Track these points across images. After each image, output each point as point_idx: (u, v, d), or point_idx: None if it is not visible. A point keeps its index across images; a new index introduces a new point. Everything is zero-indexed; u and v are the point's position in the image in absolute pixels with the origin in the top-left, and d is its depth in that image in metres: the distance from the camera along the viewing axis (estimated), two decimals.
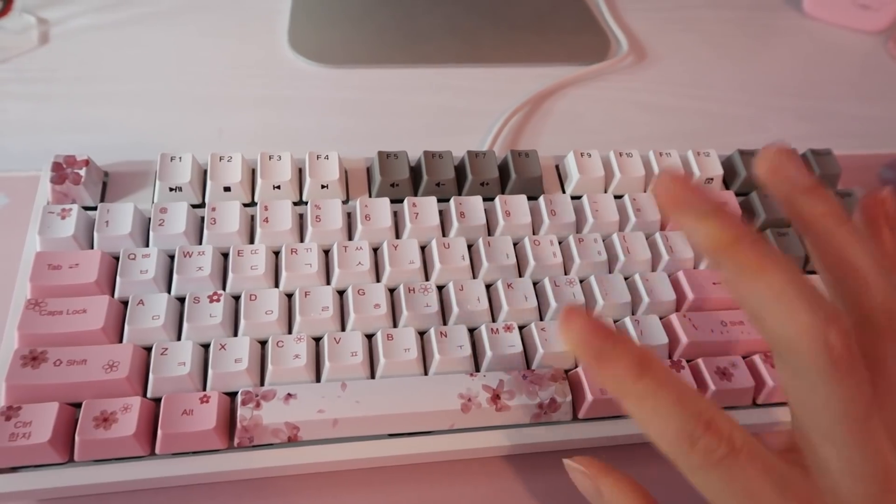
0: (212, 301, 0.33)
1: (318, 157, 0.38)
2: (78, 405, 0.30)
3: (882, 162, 0.51)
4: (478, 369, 0.33)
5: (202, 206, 0.37)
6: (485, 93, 0.52)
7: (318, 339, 0.33)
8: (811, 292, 0.22)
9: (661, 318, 0.36)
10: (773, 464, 0.23)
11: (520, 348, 0.33)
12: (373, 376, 0.33)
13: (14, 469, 0.29)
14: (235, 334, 0.33)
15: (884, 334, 0.24)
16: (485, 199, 0.39)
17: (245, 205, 0.37)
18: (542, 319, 0.35)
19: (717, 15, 0.64)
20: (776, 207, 0.40)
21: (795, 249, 0.39)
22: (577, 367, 0.34)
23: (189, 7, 0.55)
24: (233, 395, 0.31)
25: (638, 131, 0.52)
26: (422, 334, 0.34)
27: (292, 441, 0.31)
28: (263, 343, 0.33)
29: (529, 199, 0.39)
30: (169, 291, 0.34)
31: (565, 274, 0.37)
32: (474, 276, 0.36)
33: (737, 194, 0.42)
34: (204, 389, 0.31)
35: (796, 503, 0.22)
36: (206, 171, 0.37)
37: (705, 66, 0.58)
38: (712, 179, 0.41)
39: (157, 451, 0.30)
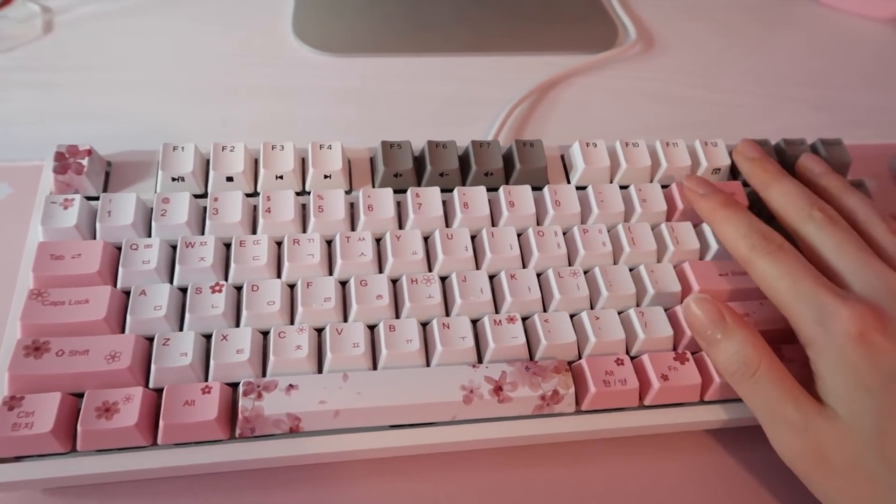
0: (214, 291, 0.33)
1: (320, 147, 0.38)
2: (80, 395, 0.30)
3: (893, 152, 0.51)
4: (480, 361, 0.33)
5: (204, 196, 0.37)
6: (491, 82, 0.52)
7: (320, 330, 0.33)
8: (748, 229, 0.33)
9: (666, 310, 0.35)
10: (815, 270, 0.31)
11: (523, 340, 0.33)
12: (375, 367, 0.32)
13: (17, 458, 0.29)
14: (237, 325, 0.33)
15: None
16: (489, 190, 0.38)
17: (247, 195, 0.37)
18: (545, 311, 0.35)
19: (727, 2, 0.63)
20: None
21: None
22: (580, 358, 0.34)
23: None
24: (234, 385, 0.31)
25: (646, 121, 0.51)
26: (424, 325, 0.34)
27: (294, 432, 0.31)
28: (265, 334, 0.33)
29: (534, 189, 0.38)
30: (171, 282, 0.34)
31: (569, 265, 0.37)
32: (477, 267, 0.36)
33: (744, 184, 0.41)
34: (206, 380, 0.31)
35: (824, 285, 0.30)
36: (208, 161, 0.37)
37: (714, 54, 0.57)
38: (719, 169, 0.41)
39: (159, 441, 0.30)
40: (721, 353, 0.31)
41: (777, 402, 0.30)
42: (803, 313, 0.30)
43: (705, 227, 0.38)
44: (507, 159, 0.40)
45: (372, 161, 0.39)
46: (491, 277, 0.35)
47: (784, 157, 0.42)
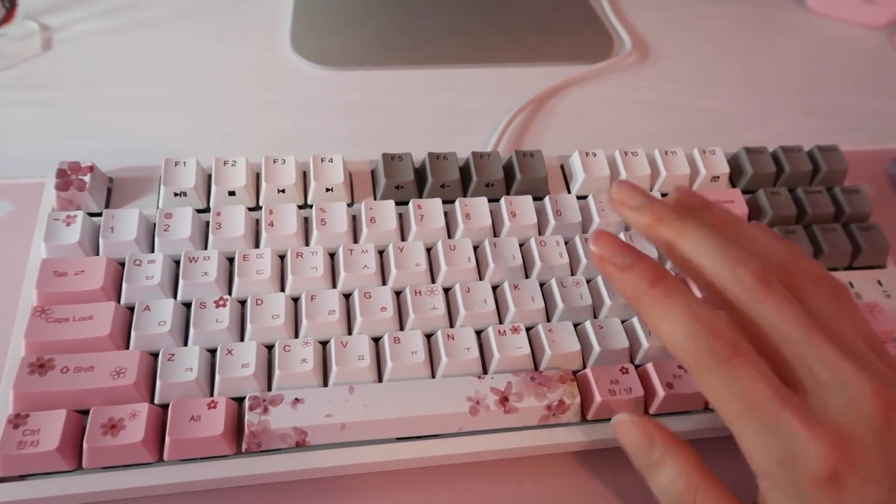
0: (218, 306, 0.33)
1: (322, 160, 0.38)
2: (85, 412, 0.30)
3: (889, 157, 0.51)
4: (485, 371, 0.33)
5: (207, 210, 0.37)
6: (488, 93, 0.52)
7: (324, 343, 0.33)
8: (725, 245, 0.28)
9: None
10: (773, 377, 0.25)
11: (527, 350, 0.33)
12: (380, 380, 0.32)
13: (22, 477, 0.29)
14: (242, 339, 0.33)
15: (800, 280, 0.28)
16: (490, 200, 0.38)
17: (250, 209, 0.37)
18: (549, 321, 0.35)
19: (720, 12, 0.64)
20: (784, 205, 0.40)
21: (803, 246, 0.39)
22: (584, 368, 0.34)
23: (191, 11, 0.55)
24: (240, 400, 0.31)
25: (643, 130, 0.51)
26: (429, 337, 0.34)
27: (300, 446, 0.31)
28: (270, 347, 0.33)
29: (535, 199, 0.39)
30: (175, 297, 0.34)
31: (572, 274, 0.37)
32: (480, 278, 0.36)
33: (743, 192, 0.41)
34: (211, 395, 0.31)
35: (791, 408, 0.24)
36: (210, 176, 0.37)
37: (709, 63, 0.58)
38: (718, 177, 0.41)
39: (166, 457, 0.30)
40: (655, 482, 0.28)
41: None
42: (764, 446, 0.25)
43: None
44: (508, 170, 0.40)
45: (373, 173, 0.40)
46: (494, 288, 0.36)
47: (781, 165, 0.42)
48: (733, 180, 0.42)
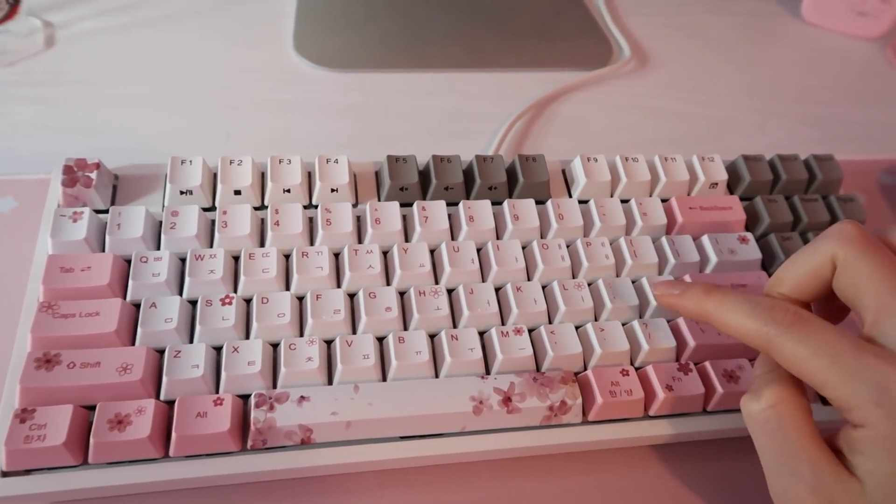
0: (224, 304, 0.33)
1: (327, 161, 0.38)
2: (92, 408, 0.30)
3: (882, 167, 0.52)
4: (488, 372, 0.34)
5: (213, 209, 0.37)
6: (489, 97, 0.53)
7: (329, 342, 0.34)
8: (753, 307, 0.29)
9: (668, 322, 0.36)
10: (839, 327, 0.27)
11: (530, 351, 0.34)
12: (385, 379, 0.33)
13: (28, 471, 0.29)
14: (248, 337, 0.33)
15: None
16: (493, 203, 0.39)
17: (255, 208, 0.37)
18: (550, 322, 0.36)
19: (717, 20, 0.64)
20: (781, 212, 0.41)
21: None
22: (586, 369, 0.34)
23: (194, 11, 0.56)
24: (246, 397, 0.32)
25: (642, 136, 0.52)
26: (432, 337, 0.34)
27: (305, 443, 0.31)
28: (276, 346, 0.33)
29: (537, 203, 0.39)
30: (181, 294, 0.34)
31: (573, 277, 0.37)
32: (484, 280, 0.36)
33: (741, 199, 0.42)
34: (217, 392, 0.32)
35: (869, 350, 0.25)
36: (216, 175, 0.37)
37: (707, 71, 0.59)
38: (717, 184, 0.42)
39: (171, 453, 0.30)
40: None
41: (791, 452, 0.27)
42: (857, 393, 0.25)
43: (704, 240, 0.39)
44: (511, 173, 0.40)
45: (377, 175, 0.40)
46: (497, 289, 0.36)
47: (777, 173, 0.43)
48: (731, 187, 0.43)
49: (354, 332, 0.34)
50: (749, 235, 0.40)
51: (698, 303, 0.31)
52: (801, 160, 0.43)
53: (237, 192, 0.37)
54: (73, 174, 0.36)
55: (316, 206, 0.37)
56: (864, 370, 0.25)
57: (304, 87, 0.51)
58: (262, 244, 0.36)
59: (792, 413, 0.27)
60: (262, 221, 0.37)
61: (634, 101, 0.55)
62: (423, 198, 0.39)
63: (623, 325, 0.36)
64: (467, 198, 0.40)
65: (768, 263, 0.40)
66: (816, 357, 0.26)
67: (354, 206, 0.38)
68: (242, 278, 0.34)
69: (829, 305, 0.32)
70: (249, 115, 0.49)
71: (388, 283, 0.36)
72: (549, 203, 0.39)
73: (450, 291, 0.36)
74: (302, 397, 0.31)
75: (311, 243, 0.37)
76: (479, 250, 0.37)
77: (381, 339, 0.34)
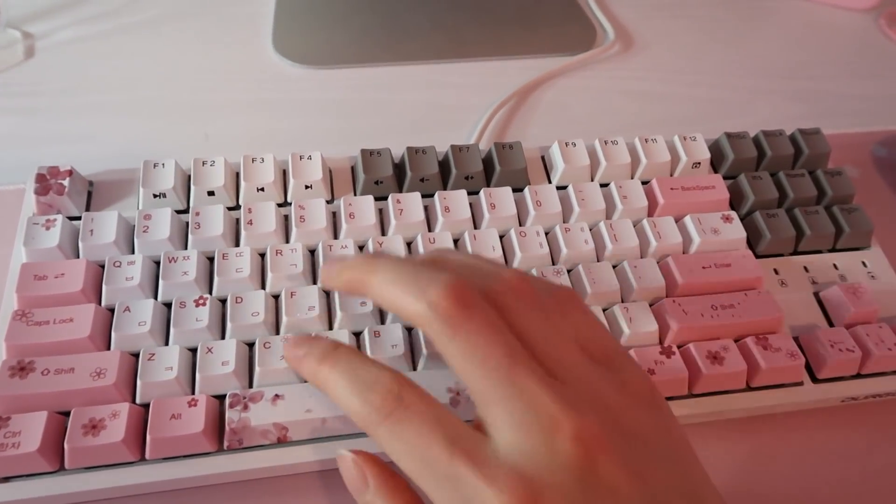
0: (198, 305, 0.33)
1: (300, 158, 0.38)
2: (67, 413, 0.30)
3: (875, 139, 0.51)
4: None
5: (187, 211, 0.37)
6: (471, 87, 0.52)
7: None
8: (414, 278, 0.25)
9: (651, 305, 0.35)
10: (450, 421, 0.23)
11: None
12: None
13: (5, 479, 0.29)
14: (222, 337, 0.33)
15: (506, 299, 0.25)
16: (470, 193, 0.38)
17: (230, 208, 0.37)
18: None
19: None
20: (766, 189, 0.40)
21: (785, 230, 0.38)
22: None
23: (173, 15, 0.56)
24: (221, 397, 0.31)
25: (626, 119, 0.51)
26: (409, 330, 0.34)
27: (281, 442, 0.31)
28: (251, 345, 0.33)
29: (515, 190, 0.39)
30: (155, 297, 0.34)
31: (553, 264, 0.37)
32: None
33: (726, 177, 0.41)
34: (192, 393, 0.31)
35: (462, 455, 0.22)
36: (189, 177, 0.37)
37: (693, 51, 0.58)
38: (699, 164, 0.41)
39: (147, 456, 0.30)
40: None
41: None
42: (447, 500, 0.22)
43: (687, 221, 0.38)
44: (487, 162, 0.40)
45: (353, 170, 0.40)
46: None
47: (762, 150, 0.42)
48: (715, 166, 0.42)
49: (330, 328, 0.34)
50: (733, 214, 0.39)
51: (314, 372, 0.27)
52: (787, 135, 0.43)
53: (211, 193, 0.37)
54: (46, 182, 0.36)
55: (290, 204, 0.37)
56: (454, 480, 0.22)
57: (284, 85, 0.51)
58: (236, 244, 0.36)
59: None
60: (237, 221, 0.37)
61: (619, 85, 0.54)
62: (399, 190, 0.39)
63: (604, 310, 0.35)
64: (444, 188, 0.39)
65: (754, 241, 0.39)
66: (410, 459, 0.23)
67: (329, 202, 0.38)
68: (216, 279, 0.34)
69: None
70: (229, 116, 0.48)
71: None
72: (526, 190, 0.38)
73: None
74: (276, 396, 0.31)
75: (286, 241, 0.36)
76: (456, 241, 0.37)
77: (357, 335, 0.34)
